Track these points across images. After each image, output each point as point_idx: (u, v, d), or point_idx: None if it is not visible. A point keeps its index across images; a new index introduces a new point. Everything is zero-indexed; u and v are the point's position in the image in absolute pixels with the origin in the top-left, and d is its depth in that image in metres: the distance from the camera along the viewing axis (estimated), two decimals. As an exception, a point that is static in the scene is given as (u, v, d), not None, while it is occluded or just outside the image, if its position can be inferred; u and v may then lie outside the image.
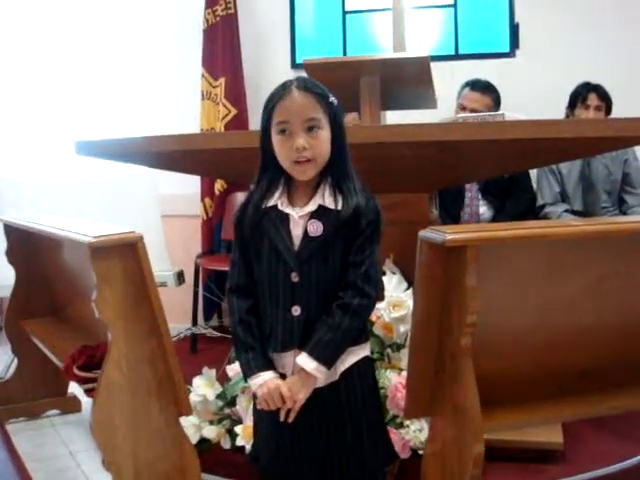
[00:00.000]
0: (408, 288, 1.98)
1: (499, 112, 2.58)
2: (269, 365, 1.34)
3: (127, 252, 1.68)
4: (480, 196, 3.21)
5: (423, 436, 1.83)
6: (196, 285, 3.60)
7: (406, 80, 2.31)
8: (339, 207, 1.31)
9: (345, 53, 3.75)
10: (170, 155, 2.13)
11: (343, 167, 1.35)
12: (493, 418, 1.45)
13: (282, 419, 1.31)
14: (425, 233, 1.43)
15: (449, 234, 1.35)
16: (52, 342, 2.27)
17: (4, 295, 2.77)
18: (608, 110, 3.11)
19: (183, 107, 3.77)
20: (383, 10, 3.55)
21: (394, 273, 2.08)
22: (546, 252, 1.49)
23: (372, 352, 1.73)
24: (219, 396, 2.05)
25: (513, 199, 3.22)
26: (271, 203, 1.35)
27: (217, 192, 3.74)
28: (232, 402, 2.04)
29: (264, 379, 1.32)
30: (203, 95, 3.73)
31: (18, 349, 2.62)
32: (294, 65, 3.77)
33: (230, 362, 2.10)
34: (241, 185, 3.61)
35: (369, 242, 1.32)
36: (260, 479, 1.48)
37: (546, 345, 1.55)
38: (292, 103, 1.30)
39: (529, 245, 1.46)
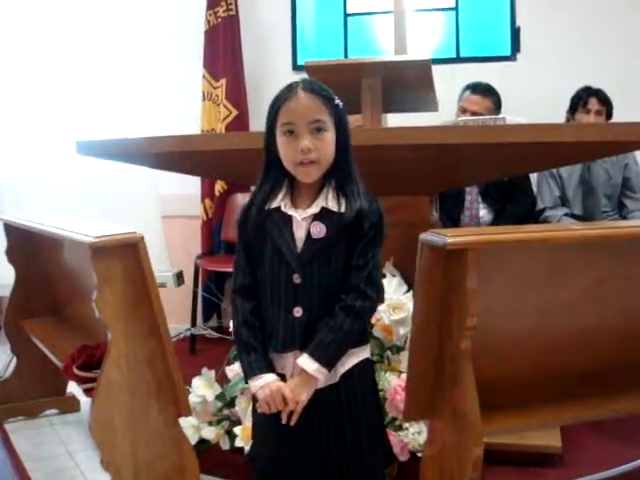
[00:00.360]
0: (408, 291, 1.98)
1: (500, 116, 2.59)
2: (271, 367, 1.34)
3: (128, 252, 1.68)
4: (480, 199, 3.20)
5: (422, 439, 1.83)
6: (195, 286, 3.59)
7: (407, 83, 2.31)
8: (342, 210, 1.31)
9: (346, 55, 3.74)
10: (170, 156, 2.13)
11: (347, 169, 1.35)
12: (493, 421, 1.44)
13: (284, 421, 1.31)
14: (426, 236, 1.43)
15: (450, 237, 1.35)
16: (52, 342, 2.27)
17: (4, 295, 2.77)
18: (609, 115, 3.11)
19: (184, 108, 3.77)
20: (384, 13, 3.56)
21: (394, 275, 2.08)
22: (546, 255, 1.49)
23: (372, 354, 1.73)
24: (218, 397, 2.05)
25: (513, 202, 3.22)
26: (274, 205, 1.35)
27: (217, 193, 3.74)
28: (231, 403, 2.04)
29: (266, 381, 1.32)
30: (204, 96, 3.74)
31: (17, 348, 2.62)
32: (295, 67, 3.77)
33: (229, 363, 2.10)
34: (241, 186, 3.63)
35: (372, 245, 1.32)
36: (258, 480, 1.48)
37: (546, 348, 1.55)
38: (298, 104, 1.30)
39: (529, 248, 1.46)
